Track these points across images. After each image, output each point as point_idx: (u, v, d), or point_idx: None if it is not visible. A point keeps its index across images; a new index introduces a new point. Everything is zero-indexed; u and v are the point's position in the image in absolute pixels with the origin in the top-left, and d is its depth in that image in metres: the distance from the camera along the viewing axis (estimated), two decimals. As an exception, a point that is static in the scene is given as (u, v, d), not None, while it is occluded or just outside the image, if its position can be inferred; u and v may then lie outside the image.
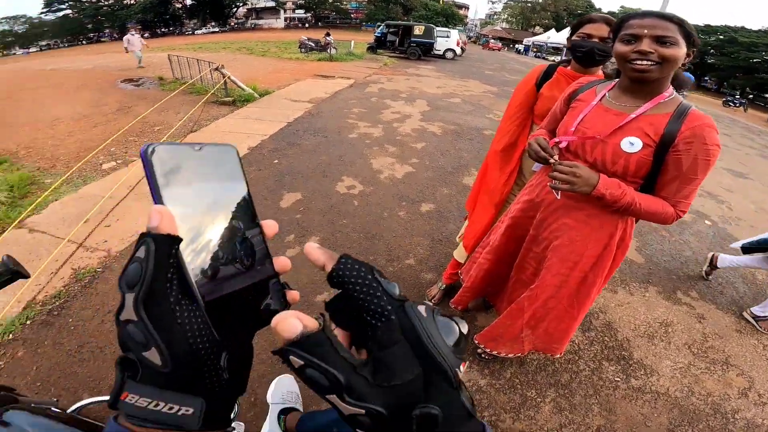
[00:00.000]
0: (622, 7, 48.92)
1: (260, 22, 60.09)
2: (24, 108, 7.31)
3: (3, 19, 55.66)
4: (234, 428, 0.30)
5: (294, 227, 2.81)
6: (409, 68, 12.64)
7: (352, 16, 57.33)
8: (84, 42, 52.78)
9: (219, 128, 4.98)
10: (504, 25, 57.66)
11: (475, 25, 76.32)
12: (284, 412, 1.39)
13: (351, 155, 4.19)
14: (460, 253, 2.05)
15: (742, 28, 37.08)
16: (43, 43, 53.83)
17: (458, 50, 18.73)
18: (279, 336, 0.24)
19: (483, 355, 1.84)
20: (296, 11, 61.24)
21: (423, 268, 2.47)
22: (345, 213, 3.04)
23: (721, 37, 36.75)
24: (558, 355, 1.59)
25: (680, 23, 1.05)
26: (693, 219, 3.85)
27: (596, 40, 1.50)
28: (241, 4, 55.09)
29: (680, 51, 1.04)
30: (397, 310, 0.25)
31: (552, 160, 1.17)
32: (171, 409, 0.24)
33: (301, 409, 1.49)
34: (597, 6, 51.21)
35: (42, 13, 52.32)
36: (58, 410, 0.71)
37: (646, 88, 1.13)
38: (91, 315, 2.04)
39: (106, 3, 52.05)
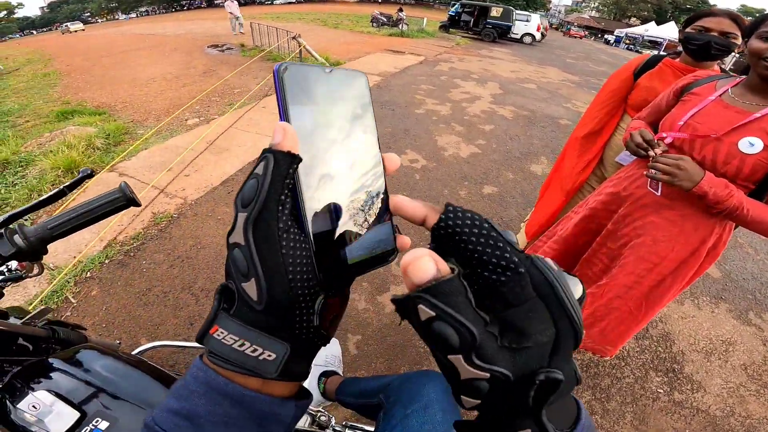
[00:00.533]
0: (742, 5, 43.05)
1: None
2: (125, 67, 8.12)
3: None
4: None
5: None
6: (482, 50, 12.15)
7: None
8: (178, 8, 56.53)
9: (292, 95, 5.19)
10: (593, 13, 53.07)
11: (559, 11, 71.05)
12: (325, 375, 1.39)
13: (416, 130, 4.16)
14: (520, 239, 1.98)
15: None
16: (143, 9, 58.48)
17: (538, 35, 17.65)
18: (408, 278, 0.20)
19: None
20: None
21: None
22: (406, 185, 3.05)
23: None
24: (608, 357, 1.50)
25: None
26: None
27: (715, 33, 1.38)
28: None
29: None
30: (525, 262, 0.21)
31: (653, 153, 1.10)
32: (255, 351, 0.23)
33: (341, 374, 1.50)
34: (712, 2, 45.24)
35: None
36: (123, 353, 0.72)
37: (764, 87, 1.06)
38: (162, 259, 2.16)
39: None
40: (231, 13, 12.67)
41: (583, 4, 59.79)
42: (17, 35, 45.46)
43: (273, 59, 7.09)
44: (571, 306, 0.21)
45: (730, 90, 1.13)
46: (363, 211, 0.27)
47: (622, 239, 1.28)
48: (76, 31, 30.15)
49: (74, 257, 2.22)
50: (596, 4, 53.04)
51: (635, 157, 1.27)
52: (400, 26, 13.68)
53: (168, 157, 3.43)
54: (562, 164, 1.82)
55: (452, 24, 16.26)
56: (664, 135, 1.15)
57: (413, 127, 4.22)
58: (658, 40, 30.98)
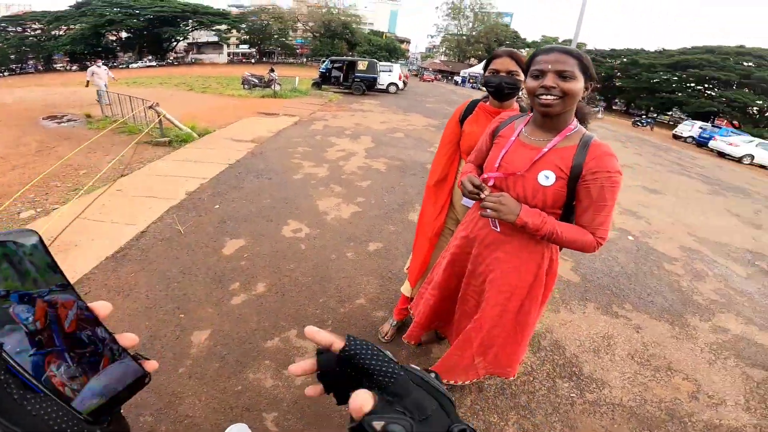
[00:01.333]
0: (543, 36, 53.44)
1: (202, 56, 59.12)
2: None
3: None
4: None
5: (239, 274, 2.71)
6: (353, 104, 13.01)
7: (297, 51, 58.35)
8: (6, 73, 48.42)
9: (153, 171, 4.73)
10: (443, 57, 60.72)
11: (416, 59, 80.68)
12: None
13: (296, 197, 4.15)
14: (406, 288, 2.08)
15: (642, 50, 41.64)
16: (-41, 72, 48.56)
17: (401, 84, 19.64)
18: (358, 412, 0.31)
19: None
20: (240, 46, 61.13)
21: (374, 307, 2.48)
22: (292, 257, 2.98)
23: (625, 59, 41.36)
24: (512, 378, 1.64)
25: (579, 58, 1.14)
26: (617, 236, 4.23)
27: (503, 74, 1.56)
28: (181, 39, 53.86)
29: (578, 85, 1.14)
30: (401, 370, 0.34)
31: (483, 195, 1.23)
32: None
33: None
34: (522, 36, 54.56)
35: None
36: None
37: (554, 122, 1.22)
38: None
39: (33, 33, 48.51)
40: (97, 80, 10.10)
41: (434, 50, 68.41)
42: None
43: (128, 131, 6.46)
44: (437, 386, 0.34)
45: (523, 129, 1.30)
46: (86, 359, 0.32)
47: (480, 276, 1.46)
48: None
49: None
50: (444, 48, 61.15)
51: None
52: (273, 87, 13.73)
53: None
54: (422, 212, 1.98)
55: (324, 80, 16.99)
56: (486, 176, 1.31)
57: (293, 195, 4.20)
58: (492, 77, 37.28)
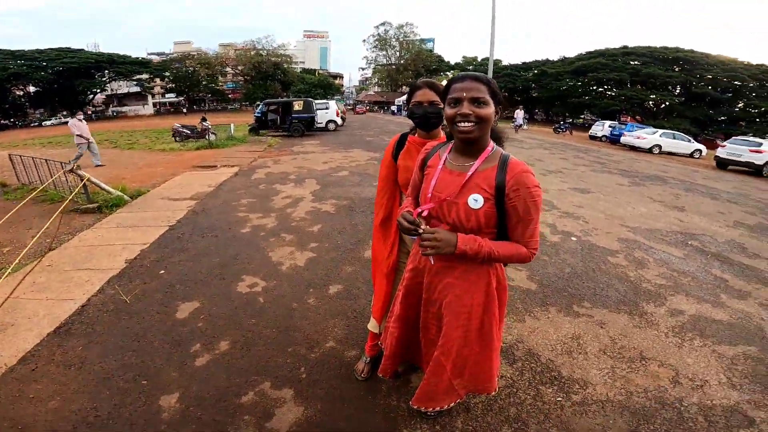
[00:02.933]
0: (463, 56, 56.90)
1: (124, 109, 56.39)
2: None
3: None
4: None
5: (198, 336, 2.61)
6: (294, 146, 13.02)
7: (229, 96, 57.57)
8: None
9: (85, 242, 4.39)
10: (376, 88, 62.38)
11: (352, 92, 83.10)
12: None
13: (247, 252, 4.06)
14: (373, 325, 2.11)
15: (547, 60, 46.18)
16: None
17: (339, 120, 20.03)
18: None
19: (428, 413, 1.85)
20: (166, 95, 59.23)
21: (345, 347, 2.48)
22: (252, 313, 2.91)
23: (536, 71, 45.83)
24: (494, 392, 1.69)
25: (488, 84, 1.25)
26: (561, 239, 4.57)
27: (426, 105, 1.64)
28: (98, 91, 50.97)
29: (491, 110, 1.25)
30: None
31: (420, 230, 1.28)
32: None
33: None
34: (446, 59, 57.95)
35: None
36: None
37: (473, 147, 1.31)
38: None
39: None
40: (79, 135, 9.49)
41: (368, 82, 70.41)
42: None
43: (50, 199, 5.95)
44: None
45: (447, 156, 1.39)
46: None
47: (436, 303, 1.52)
48: None
49: None
50: (376, 79, 63.10)
51: None
52: (207, 137, 13.32)
53: None
54: (374, 251, 2.04)
55: (261, 125, 16.76)
56: (420, 209, 1.39)
57: (243, 250, 4.11)
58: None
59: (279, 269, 3.68)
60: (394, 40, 57.08)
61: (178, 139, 14.51)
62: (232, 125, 15.84)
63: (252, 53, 52.29)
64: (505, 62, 50.78)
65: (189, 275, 3.55)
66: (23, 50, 43.06)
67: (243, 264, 3.77)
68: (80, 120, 9.74)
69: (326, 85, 56.10)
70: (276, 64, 52.52)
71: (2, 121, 44.31)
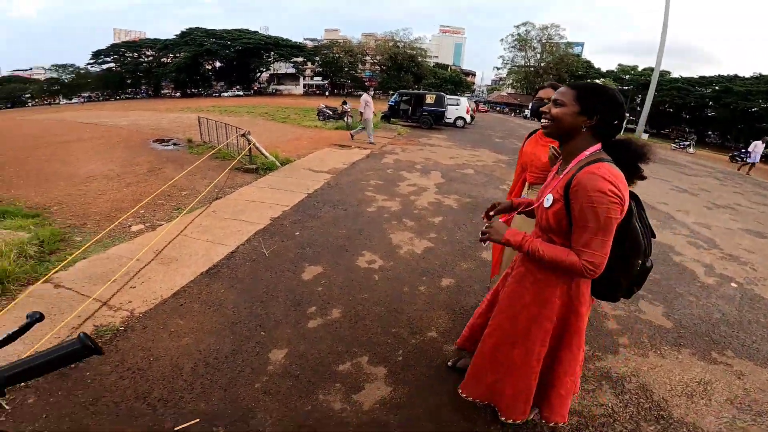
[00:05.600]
0: (619, 65, 50.45)
1: (281, 87, 64.58)
2: (62, 161, 7.75)
3: (53, 66, 60.64)
4: None
5: (315, 299, 2.87)
6: (421, 138, 13.25)
7: (366, 84, 61.24)
8: (121, 97, 56.11)
9: (242, 197, 5.19)
10: (510, 90, 59.69)
11: (482, 91, 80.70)
12: None
13: (370, 229, 4.29)
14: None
15: (735, 76, 37.67)
16: (85, 94, 57.63)
17: (468, 118, 19.67)
18: None
19: (476, 403, 1.84)
20: (314, 78, 65.96)
21: (445, 340, 2.49)
22: (366, 287, 3.08)
23: (717, 87, 37.73)
24: (512, 421, 1.66)
25: (576, 89, 1.28)
26: (718, 282, 3.84)
27: (544, 100, 1.79)
28: (264, 69, 59.56)
29: (565, 110, 1.26)
30: None
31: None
32: None
33: None
34: (596, 66, 52.42)
35: (88, 64, 56.44)
36: None
37: (567, 150, 1.33)
38: (109, 371, 2.06)
39: (146, 60, 56.05)
40: (368, 111, 10.21)
41: (501, 83, 67.24)
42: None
43: (222, 157, 7.18)
44: None
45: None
46: None
47: (500, 294, 1.67)
48: None
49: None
50: (510, 81, 59.76)
51: None
52: (345, 119, 14.45)
53: (110, 268, 3.21)
54: None
55: (393, 114, 17.49)
56: (529, 208, 1.57)
57: (367, 227, 4.35)
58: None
59: (397, 252, 3.79)
60: (535, 41, 53.19)
61: (321, 117, 16.01)
62: (368, 111, 16.77)
63: (390, 44, 54.44)
64: (674, 74, 43.15)
65: (318, 241, 3.91)
66: (215, 30, 52.39)
67: (365, 240, 3.99)
68: (370, 96, 10.47)
69: (457, 82, 55.37)
70: (411, 56, 53.76)
71: (192, 90, 55.11)
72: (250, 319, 2.59)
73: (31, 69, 79.21)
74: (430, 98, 16.96)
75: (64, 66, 59.49)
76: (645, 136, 32.88)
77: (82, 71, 57.94)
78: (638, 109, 40.20)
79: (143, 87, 58.43)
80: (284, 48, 54.11)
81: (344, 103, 15.95)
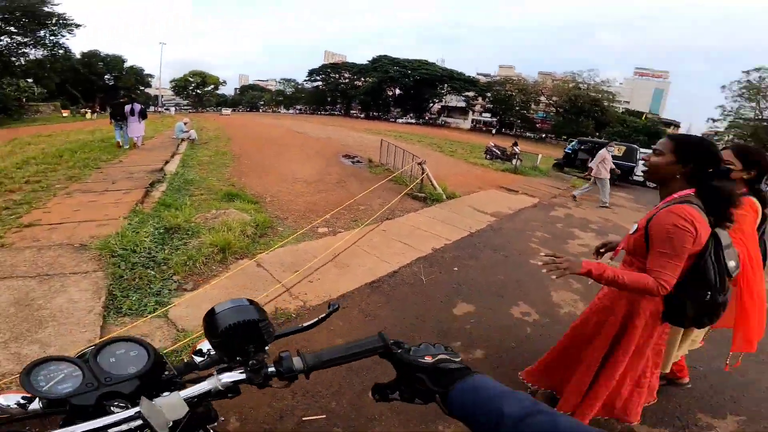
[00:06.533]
0: None
1: (449, 120, 67.16)
2: (279, 161, 9.87)
3: (282, 80, 78.02)
4: None
5: (462, 335, 2.92)
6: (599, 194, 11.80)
7: (537, 125, 58.23)
8: (321, 112, 67.68)
9: (409, 221, 5.63)
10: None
11: (682, 149, 67.25)
12: None
13: (530, 281, 4.08)
14: None
15: None
16: (298, 106, 72.05)
17: (662, 178, 16.50)
18: None
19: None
20: (483, 114, 66.52)
21: None
22: (515, 337, 2.98)
23: None
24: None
25: (673, 140, 1.55)
26: None
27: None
28: (437, 101, 63.20)
29: (662, 160, 1.54)
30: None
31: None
32: None
33: None
34: None
35: (304, 80, 69.88)
36: None
37: (663, 192, 1.61)
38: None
39: (343, 81, 66.20)
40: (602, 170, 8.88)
41: (716, 137, 54.48)
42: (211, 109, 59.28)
43: (396, 181, 7.92)
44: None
45: None
46: None
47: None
48: (228, 115, 40.97)
49: (200, 325, 2.59)
50: (730, 136, 47.93)
51: None
52: (514, 162, 13.84)
53: (297, 260, 3.91)
54: None
55: (567, 162, 15.82)
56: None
57: (526, 278, 4.15)
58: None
59: (556, 310, 3.53)
60: None
61: (488, 156, 15.87)
62: (539, 155, 15.79)
63: (570, 85, 50.47)
64: None
65: (474, 280, 3.93)
66: (399, 58, 58.15)
67: (523, 291, 3.82)
68: (610, 153, 9.19)
69: (653, 133, 47.32)
70: (595, 100, 48.56)
71: (374, 113, 62.43)
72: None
73: (267, 80, 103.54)
74: (617, 150, 14.39)
75: (289, 80, 75.92)
76: None
77: (299, 86, 72.68)
78: None
79: (338, 105, 69.25)
80: (458, 81, 56.36)
81: (515, 144, 15.43)
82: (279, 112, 68.30)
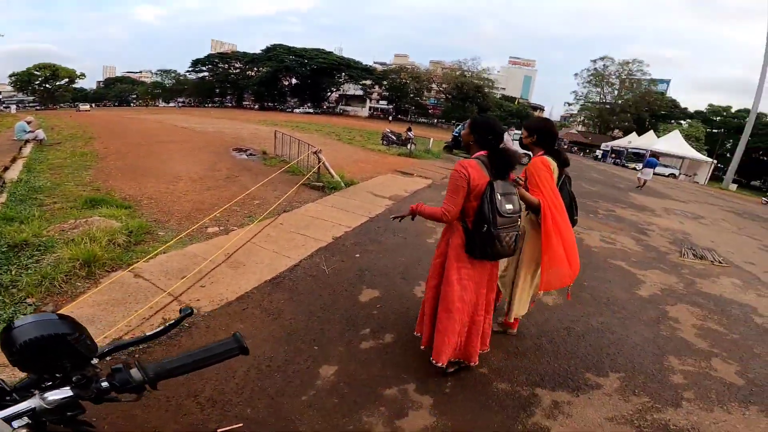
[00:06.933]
0: (710, 105, 46.00)
1: (348, 108, 67.31)
2: (155, 159, 8.71)
3: (159, 71, 68.96)
4: None
5: (370, 322, 2.94)
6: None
7: (429, 111, 62.04)
8: (209, 104, 61.80)
9: (308, 212, 5.48)
10: (580, 128, 55.89)
11: (548, 128, 77.73)
12: None
13: (429, 260, 4.30)
14: None
15: None
16: (181, 99, 64.48)
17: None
18: None
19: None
20: (380, 101, 68.18)
21: (496, 377, 2.50)
22: (415, 317, 3.09)
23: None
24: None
25: (471, 121, 2.27)
26: None
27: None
28: (334, 89, 62.73)
29: (464, 133, 2.33)
30: None
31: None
32: None
33: None
34: (683, 105, 47.89)
35: (187, 71, 63.28)
36: None
37: (469, 154, 2.25)
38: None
39: (233, 72, 61.42)
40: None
41: (570, 119, 63.49)
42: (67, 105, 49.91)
43: (292, 172, 7.64)
44: None
45: None
46: None
47: None
48: (87, 111, 37.14)
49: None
50: (582, 118, 55.45)
51: None
52: (408, 146, 14.56)
53: (185, 264, 3.53)
54: None
55: (455, 144, 17.03)
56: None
57: (426, 257, 4.35)
58: (640, 151, 29.31)
59: None
60: (614, 77, 50.15)
61: (385, 142, 16.33)
62: (431, 139, 16.91)
63: (457, 73, 54.66)
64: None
65: (377, 265, 4.00)
66: (295, 47, 56.27)
67: (424, 270, 3.95)
68: (511, 135, 9.78)
69: (524, 116, 54.00)
70: (478, 87, 53.49)
71: (269, 103, 59.41)
72: (306, 332, 2.71)
73: (140, 72, 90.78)
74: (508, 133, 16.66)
75: (168, 71, 67.50)
76: (733, 187, 29.66)
77: (181, 77, 65.24)
78: (728, 155, 36.36)
79: (228, 97, 64.08)
80: (355, 70, 56.75)
81: (409, 129, 16.21)
82: (157, 105, 60.42)
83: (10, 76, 52.15)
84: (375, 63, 71.18)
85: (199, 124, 19.02)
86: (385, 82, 59.21)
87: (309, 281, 3.52)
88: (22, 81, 51.51)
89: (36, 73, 51.47)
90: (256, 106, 58.77)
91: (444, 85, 56.91)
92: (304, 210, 5.60)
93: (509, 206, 2.02)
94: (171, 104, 61.65)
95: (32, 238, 3.58)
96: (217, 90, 62.60)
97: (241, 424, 1.89)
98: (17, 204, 4.80)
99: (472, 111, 51.41)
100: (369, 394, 2.19)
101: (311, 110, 57.14)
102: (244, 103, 62.52)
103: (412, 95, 58.71)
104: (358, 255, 4.21)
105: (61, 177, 6.58)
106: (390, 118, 56.01)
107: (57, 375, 0.64)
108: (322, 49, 57.50)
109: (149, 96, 65.25)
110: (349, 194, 6.70)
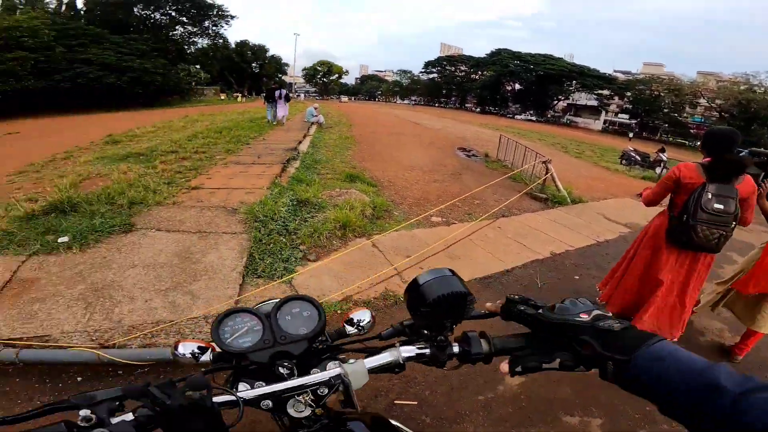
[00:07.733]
0: None
1: (577, 119, 60.59)
2: (396, 149, 10.22)
3: (399, 71, 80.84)
4: None
5: None
6: None
7: (691, 132, 48.68)
8: (436, 104, 67.91)
9: (527, 221, 5.31)
10: None
11: None
12: None
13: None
14: None
15: None
16: (414, 97, 73.73)
17: None
18: None
19: None
20: (619, 115, 58.38)
21: None
22: None
23: None
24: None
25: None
26: None
27: None
28: (562, 98, 57.45)
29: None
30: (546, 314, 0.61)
31: None
32: None
33: None
34: None
35: (420, 72, 71.11)
36: None
37: None
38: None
39: (459, 74, 64.96)
40: None
41: None
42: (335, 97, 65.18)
43: (515, 179, 7.51)
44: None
45: None
46: None
47: None
48: (345, 102, 44.41)
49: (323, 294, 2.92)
50: None
51: None
52: (657, 170, 11.86)
53: (411, 245, 4.02)
54: None
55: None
56: None
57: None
58: None
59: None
60: None
61: (624, 162, 13.87)
62: (688, 165, 13.35)
63: (742, 87, 40.67)
64: None
65: (598, 293, 3.53)
66: (521, 52, 54.15)
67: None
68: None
69: None
70: (772, 106, 38.33)
71: (490, 108, 59.74)
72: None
73: (385, 71, 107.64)
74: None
75: (405, 72, 77.68)
76: None
77: (415, 77, 73.87)
78: None
79: (453, 98, 68.32)
80: (589, 78, 50.13)
81: (662, 150, 13.13)
82: (395, 102, 70.44)
83: (303, 69, 71.16)
84: (616, 71, 61.25)
85: (427, 122, 21.04)
86: (628, 93, 50.08)
87: (518, 290, 3.44)
88: (310, 74, 69.48)
89: (319, 68, 68.74)
90: (477, 110, 60.26)
91: (718, 102, 43.65)
92: (524, 218, 5.46)
93: (719, 206, 2.20)
94: (405, 101, 70.68)
95: (312, 198, 4.80)
96: (444, 91, 67.41)
97: (416, 402, 2.02)
98: (305, 170, 6.58)
99: (761, 136, 37.82)
100: (547, 414, 2.07)
101: (533, 118, 54.23)
102: (466, 105, 65.16)
103: (666, 110, 47.50)
104: (577, 277, 3.86)
105: (332, 154, 8.59)
106: (631, 135, 47.16)
107: (425, 332, 0.66)
108: (550, 55, 53.35)
109: (390, 93, 76.86)
110: (576, 212, 6.10)
